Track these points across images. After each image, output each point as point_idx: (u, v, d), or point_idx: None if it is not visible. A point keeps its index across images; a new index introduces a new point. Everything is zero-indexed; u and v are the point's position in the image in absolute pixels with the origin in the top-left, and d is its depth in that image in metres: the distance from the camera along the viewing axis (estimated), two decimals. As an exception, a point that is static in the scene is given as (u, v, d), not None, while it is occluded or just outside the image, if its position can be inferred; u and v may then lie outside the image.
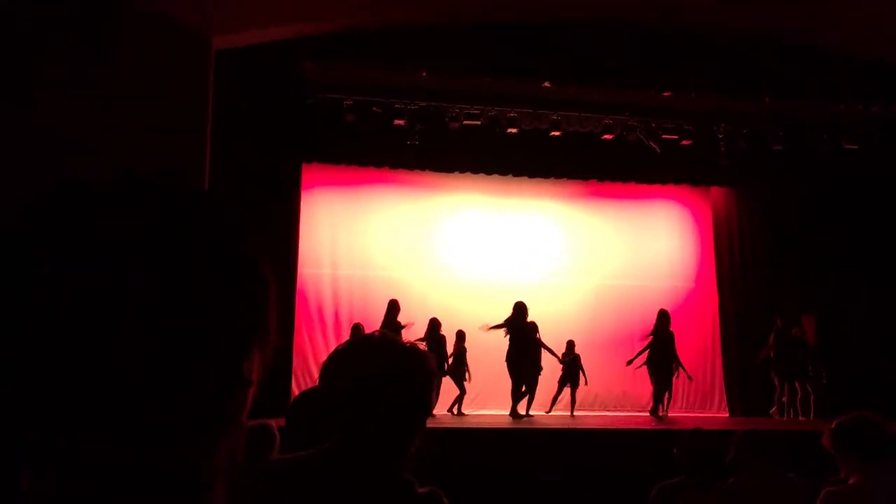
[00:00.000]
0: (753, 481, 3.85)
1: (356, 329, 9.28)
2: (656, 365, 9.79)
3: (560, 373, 10.08)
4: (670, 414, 10.00)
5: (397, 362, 1.57)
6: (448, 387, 9.49)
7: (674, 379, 9.94)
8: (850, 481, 3.04)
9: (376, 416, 1.54)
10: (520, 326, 9.53)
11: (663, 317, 10.00)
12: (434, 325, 9.57)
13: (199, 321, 0.62)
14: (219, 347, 0.63)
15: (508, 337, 9.53)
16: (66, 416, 0.58)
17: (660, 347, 9.80)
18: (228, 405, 0.66)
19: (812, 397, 10.07)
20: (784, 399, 10.26)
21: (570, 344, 10.23)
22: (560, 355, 10.03)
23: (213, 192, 0.71)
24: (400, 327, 9.30)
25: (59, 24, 7.01)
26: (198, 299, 0.62)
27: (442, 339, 9.54)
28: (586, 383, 10.19)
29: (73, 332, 0.58)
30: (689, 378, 10.27)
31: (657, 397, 9.93)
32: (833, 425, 3.31)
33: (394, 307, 9.50)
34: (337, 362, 1.61)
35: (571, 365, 10.10)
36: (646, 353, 9.87)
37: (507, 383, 9.48)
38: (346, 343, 1.70)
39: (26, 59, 6.83)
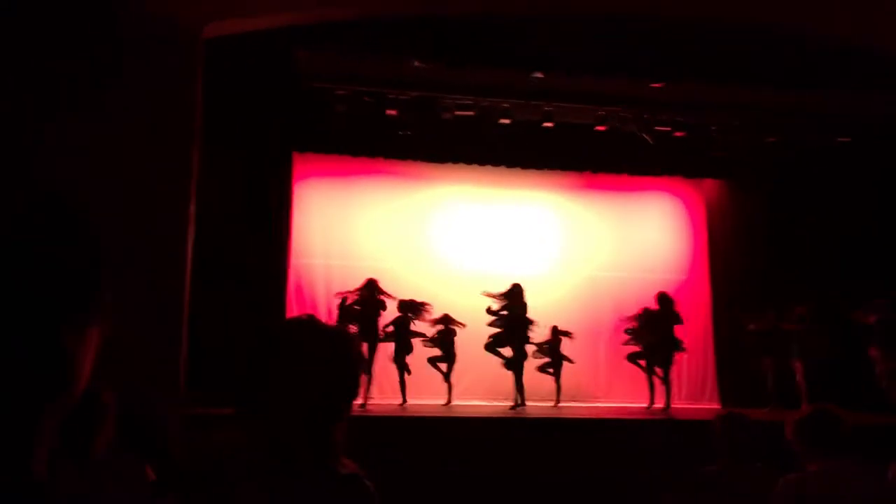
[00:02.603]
0: (727, 471, 3.81)
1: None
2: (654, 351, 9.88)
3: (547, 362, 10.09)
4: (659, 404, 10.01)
5: (322, 345, 1.58)
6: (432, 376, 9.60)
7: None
8: (810, 468, 3.05)
9: (299, 400, 1.55)
10: (518, 311, 9.56)
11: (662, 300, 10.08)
12: (371, 286, 9.48)
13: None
14: (40, 322, 0.65)
15: (503, 321, 9.54)
16: None
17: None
18: (52, 377, 0.67)
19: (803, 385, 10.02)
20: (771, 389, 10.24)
21: (553, 330, 10.18)
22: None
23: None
24: (382, 306, 9.29)
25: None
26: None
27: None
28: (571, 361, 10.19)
29: None
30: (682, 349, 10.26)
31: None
32: (796, 417, 3.32)
33: (373, 286, 9.43)
34: (264, 345, 1.62)
35: (553, 351, 10.09)
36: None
37: (494, 372, 9.53)
38: (272, 327, 1.71)
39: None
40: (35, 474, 0.68)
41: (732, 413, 4.05)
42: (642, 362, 10.07)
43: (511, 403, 9.47)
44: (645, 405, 10.00)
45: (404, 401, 9.37)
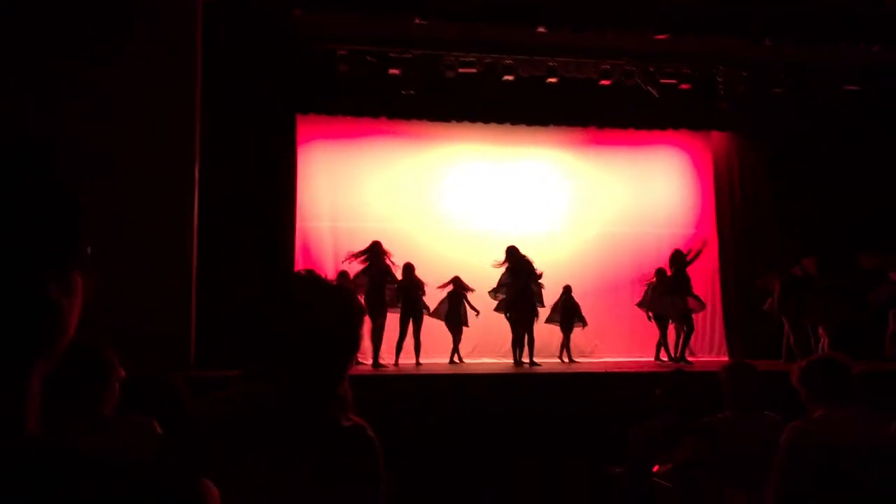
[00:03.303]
0: (735, 419, 3.86)
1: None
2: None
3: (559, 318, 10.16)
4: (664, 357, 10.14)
5: (319, 298, 1.59)
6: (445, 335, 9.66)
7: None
8: (815, 415, 3.06)
9: (298, 353, 1.56)
10: (517, 272, 9.50)
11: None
12: (407, 269, 9.45)
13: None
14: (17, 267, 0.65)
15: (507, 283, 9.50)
16: None
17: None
18: (35, 327, 0.67)
19: (826, 339, 9.87)
20: (792, 343, 10.13)
21: (565, 289, 10.23)
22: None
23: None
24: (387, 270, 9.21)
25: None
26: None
27: (416, 284, 9.47)
28: (583, 326, 10.26)
29: None
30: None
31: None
32: (803, 364, 3.33)
33: (377, 249, 9.25)
34: (264, 301, 1.63)
35: (564, 309, 10.13)
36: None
37: (503, 332, 9.56)
38: (271, 282, 1.72)
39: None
40: (28, 429, 0.68)
41: (739, 363, 4.08)
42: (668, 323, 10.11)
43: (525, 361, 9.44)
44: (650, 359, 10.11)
45: (418, 363, 9.42)
